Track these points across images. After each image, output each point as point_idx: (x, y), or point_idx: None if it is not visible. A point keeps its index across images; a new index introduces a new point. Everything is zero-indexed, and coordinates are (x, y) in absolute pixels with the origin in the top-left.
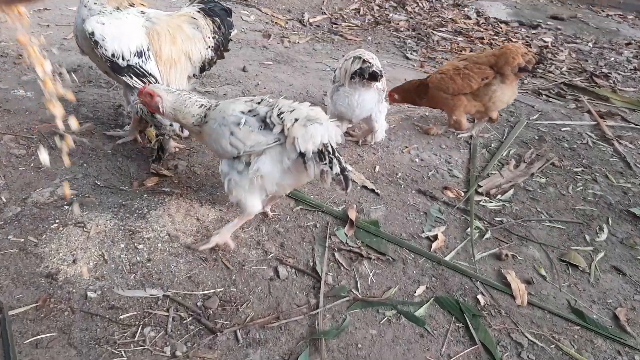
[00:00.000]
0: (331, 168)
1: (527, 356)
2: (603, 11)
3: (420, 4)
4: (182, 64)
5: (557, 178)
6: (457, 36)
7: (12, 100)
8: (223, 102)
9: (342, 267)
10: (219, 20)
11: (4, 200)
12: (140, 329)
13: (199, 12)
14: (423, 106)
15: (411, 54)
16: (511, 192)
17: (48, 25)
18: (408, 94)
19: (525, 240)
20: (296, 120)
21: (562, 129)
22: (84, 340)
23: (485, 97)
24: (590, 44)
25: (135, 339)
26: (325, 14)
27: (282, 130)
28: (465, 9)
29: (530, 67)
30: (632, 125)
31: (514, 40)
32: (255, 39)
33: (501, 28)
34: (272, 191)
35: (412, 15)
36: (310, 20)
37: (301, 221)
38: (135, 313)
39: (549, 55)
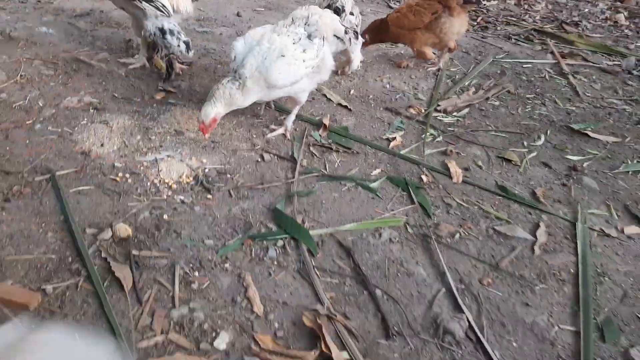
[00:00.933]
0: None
1: (454, 212)
2: None
3: None
4: None
5: (510, 102)
6: None
7: (37, 35)
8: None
9: (314, 156)
10: None
11: (41, 105)
12: (155, 185)
13: None
14: (388, 42)
15: (394, 3)
16: (466, 110)
17: None
18: (374, 34)
19: (470, 144)
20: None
21: (524, 66)
22: (114, 191)
23: (437, 30)
24: None
25: (152, 190)
26: None
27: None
28: None
29: None
30: (590, 64)
31: None
32: None
33: None
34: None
35: None
36: None
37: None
38: (152, 177)
39: (525, 7)
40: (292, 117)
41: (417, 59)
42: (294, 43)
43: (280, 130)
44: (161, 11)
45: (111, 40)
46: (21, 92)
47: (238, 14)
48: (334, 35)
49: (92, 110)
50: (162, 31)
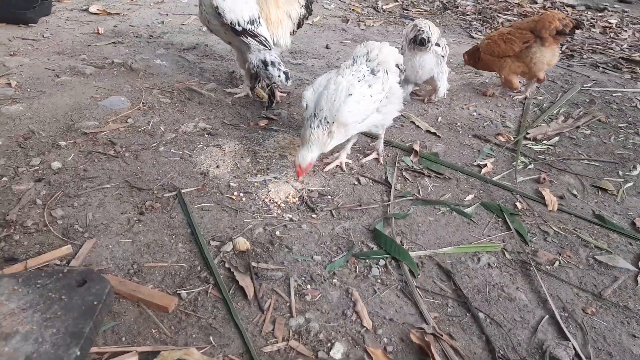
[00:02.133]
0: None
1: (552, 240)
2: None
3: None
4: (285, 23)
5: (601, 131)
6: (521, 18)
7: (153, 67)
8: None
9: (407, 180)
10: None
11: (163, 130)
12: (266, 203)
13: None
14: (481, 69)
15: (476, 34)
16: (556, 138)
17: (167, 14)
18: (470, 57)
19: (563, 172)
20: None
21: (614, 95)
22: (231, 208)
23: (527, 59)
24: None
25: (264, 208)
26: (397, 1)
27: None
28: None
29: (567, 30)
30: None
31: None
32: (335, 24)
33: (567, 11)
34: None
35: (479, 1)
36: (384, 7)
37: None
38: (263, 196)
39: (611, 35)
40: (381, 141)
41: (504, 87)
42: (359, 81)
43: (373, 155)
44: (264, 45)
45: (217, 71)
46: (144, 118)
47: (327, 47)
48: (396, 66)
49: (206, 135)
50: (265, 63)
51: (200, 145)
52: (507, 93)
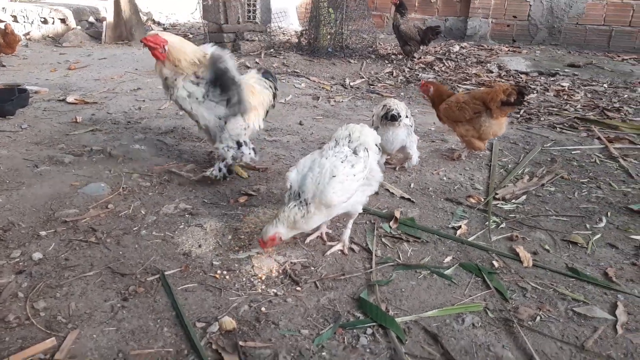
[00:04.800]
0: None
1: (531, 296)
2: (618, 56)
3: (446, 63)
4: (260, 110)
5: (565, 187)
6: (480, 87)
7: (132, 152)
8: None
9: (387, 246)
10: (271, 78)
11: (144, 213)
12: (250, 280)
13: (258, 75)
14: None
15: None
16: (524, 197)
17: (144, 101)
18: (435, 98)
19: (533, 229)
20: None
21: (573, 152)
22: (215, 287)
23: (477, 126)
24: (605, 85)
25: (248, 284)
26: (363, 77)
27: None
28: (488, 64)
29: (512, 99)
30: (639, 146)
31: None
32: (307, 101)
33: (521, 78)
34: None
35: (439, 74)
36: (351, 84)
37: (356, 220)
38: (246, 273)
39: (565, 97)
40: (348, 232)
41: (468, 149)
42: (342, 162)
43: (338, 247)
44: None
45: (195, 152)
46: (125, 202)
47: (300, 123)
48: (375, 145)
49: (187, 215)
50: (239, 144)
51: (182, 226)
52: (473, 155)
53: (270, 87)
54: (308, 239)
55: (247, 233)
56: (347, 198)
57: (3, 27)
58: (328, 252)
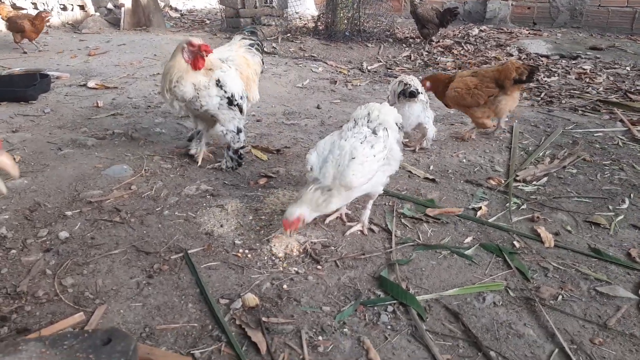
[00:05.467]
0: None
1: (553, 275)
2: None
3: (465, 47)
4: (254, 79)
5: (587, 169)
6: None
7: (153, 135)
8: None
9: (407, 227)
10: (255, 38)
11: (166, 194)
12: (271, 259)
13: (245, 42)
14: (444, 103)
15: None
16: (545, 179)
17: None
18: (435, 87)
19: (555, 210)
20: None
21: (595, 135)
22: (237, 265)
23: (492, 107)
24: (628, 68)
25: (269, 263)
26: (380, 61)
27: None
28: (507, 48)
29: (524, 77)
30: None
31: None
32: (324, 85)
33: (542, 61)
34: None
35: (458, 57)
36: (369, 68)
37: (376, 201)
38: (267, 252)
39: (587, 80)
40: (368, 212)
41: (478, 129)
42: (361, 143)
43: (358, 227)
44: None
45: (215, 136)
46: (147, 184)
47: (318, 107)
48: (395, 124)
49: (208, 197)
50: (239, 130)
51: (204, 206)
52: (493, 137)
53: (258, 49)
54: (327, 220)
55: (268, 213)
56: (368, 179)
57: (41, 14)
58: (347, 232)
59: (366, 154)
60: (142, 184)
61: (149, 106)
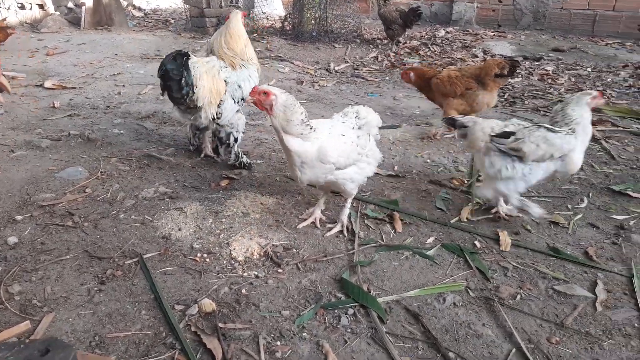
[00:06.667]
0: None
1: (512, 275)
2: (602, 41)
3: (432, 48)
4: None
5: None
6: None
7: (111, 136)
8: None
9: (370, 228)
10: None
11: (122, 197)
12: (230, 263)
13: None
14: (425, 95)
15: None
16: None
17: (123, 85)
18: (418, 79)
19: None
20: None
21: None
22: (195, 270)
23: (470, 100)
24: (589, 69)
25: (228, 267)
26: (347, 62)
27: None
28: (473, 49)
29: (505, 71)
30: (621, 129)
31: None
32: (291, 86)
33: None
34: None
35: (424, 58)
36: (336, 68)
37: (338, 202)
38: (227, 256)
39: (549, 81)
40: (346, 211)
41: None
42: (352, 129)
43: (337, 228)
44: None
45: (175, 136)
46: (103, 187)
47: None
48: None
49: (167, 199)
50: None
51: (162, 209)
52: (453, 137)
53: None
54: (300, 225)
55: (229, 217)
56: (344, 164)
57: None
58: (327, 234)
59: (352, 139)
60: (97, 186)
61: (108, 107)
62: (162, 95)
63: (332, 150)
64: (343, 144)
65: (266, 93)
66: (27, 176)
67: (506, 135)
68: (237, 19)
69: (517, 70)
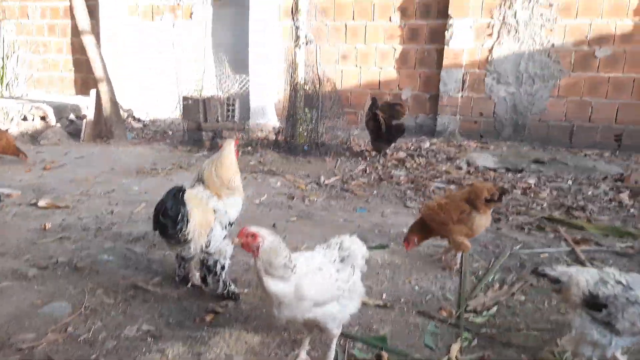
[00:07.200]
0: None
1: None
2: (581, 151)
3: (417, 160)
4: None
5: (534, 296)
6: (450, 184)
7: (99, 263)
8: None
9: None
10: None
11: (104, 337)
12: None
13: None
14: (434, 237)
15: (410, 202)
16: (495, 308)
17: (117, 204)
18: (419, 233)
19: (506, 347)
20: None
21: (541, 256)
22: None
23: (469, 223)
24: (570, 182)
25: None
26: (337, 175)
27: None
28: (457, 161)
29: (495, 197)
30: (604, 249)
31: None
32: (282, 201)
33: (490, 174)
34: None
35: (410, 171)
36: (326, 182)
37: (325, 339)
38: None
39: (531, 195)
40: (331, 355)
41: (456, 251)
42: (333, 261)
43: None
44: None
45: (164, 262)
46: (85, 325)
47: (274, 225)
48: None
49: (149, 339)
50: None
51: (142, 352)
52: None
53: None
54: None
55: (212, 359)
56: (322, 300)
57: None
58: None
59: (331, 273)
60: (79, 324)
61: (100, 228)
62: (154, 230)
63: (308, 286)
64: (321, 278)
65: (254, 235)
66: (11, 311)
67: (598, 307)
68: (229, 149)
69: (506, 197)
